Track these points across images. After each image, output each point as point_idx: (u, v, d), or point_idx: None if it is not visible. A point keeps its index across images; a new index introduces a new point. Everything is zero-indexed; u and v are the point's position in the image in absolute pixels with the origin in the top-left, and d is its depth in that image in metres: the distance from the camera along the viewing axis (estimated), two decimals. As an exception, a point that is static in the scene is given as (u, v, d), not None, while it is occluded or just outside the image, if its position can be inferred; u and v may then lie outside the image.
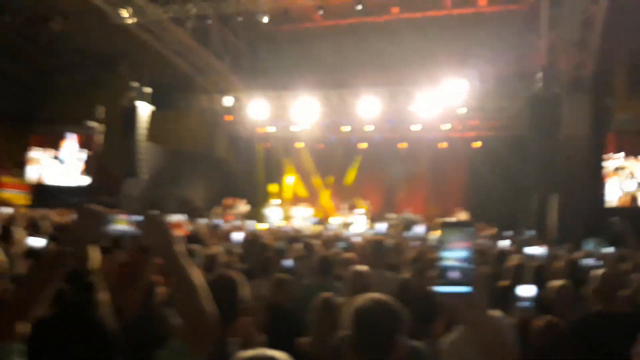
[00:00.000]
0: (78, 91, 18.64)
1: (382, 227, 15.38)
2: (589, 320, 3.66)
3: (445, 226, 1.30)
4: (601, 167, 14.36)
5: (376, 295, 2.08)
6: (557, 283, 4.15)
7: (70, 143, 19.41)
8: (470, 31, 15.48)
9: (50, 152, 19.65)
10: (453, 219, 1.26)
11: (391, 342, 1.91)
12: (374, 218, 16.71)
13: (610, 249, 8.22)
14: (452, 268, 1.27)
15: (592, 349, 3.40)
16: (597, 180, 14.23)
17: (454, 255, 1.27)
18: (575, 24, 12.47)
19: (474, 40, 15.20)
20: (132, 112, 16.07)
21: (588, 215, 13.08)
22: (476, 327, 1.32)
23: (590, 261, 5.88)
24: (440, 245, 1.28)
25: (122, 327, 3.37)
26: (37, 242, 4.90)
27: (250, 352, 1.43)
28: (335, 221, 16.79)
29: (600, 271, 3.79)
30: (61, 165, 19.46)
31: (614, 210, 13.67)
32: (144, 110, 16.24)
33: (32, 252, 4.31)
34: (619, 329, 3.47)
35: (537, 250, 7.82)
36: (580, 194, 13.46)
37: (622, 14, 12.40)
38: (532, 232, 12.09)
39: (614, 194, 14.21)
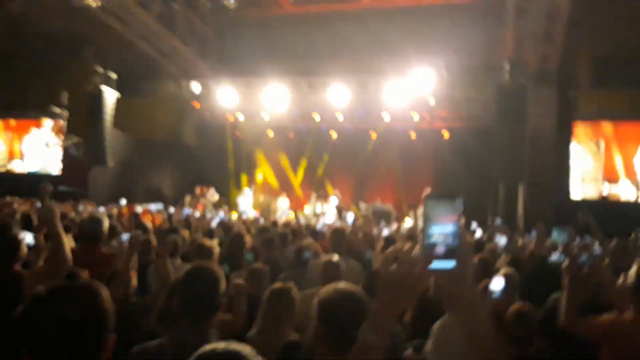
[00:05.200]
0: (40, 76, 17.97)
1: (350, 216, 15.49)
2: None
3: (430, 199, 1.19)
4: (566, 158, 14.69)
5: (341, 285, 2.04)
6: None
7: (35, 129, 18.84)
8: (438, 22, 15.55)
9: (12, 138, 19.06)
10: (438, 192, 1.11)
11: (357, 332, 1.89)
12: (344, 208, 16.77)
13: (576, 240, 8.42)
14: (437, 244, 1.16)
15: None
16: (562, 171, 14.56)
17: (441, 230, 1.17)
18: (541, 16, 12.63)
19: (442, 31, 15.28)
20: (98, 97, 15.60)
21: (554, 205, 13.37)
22: (463, 306, 1.21)
23: (555, 255, 6.01)
24: (425, 220, 1.17)
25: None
26: None
27: (218, 345, 1.38)
28: (306, 211, 16.78)
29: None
30: (26, 152, 18.91)
31: (580, 201, 14.06)
32: (110, 96, 15.81)
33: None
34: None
35: (502, 240, 8.00)
36: (546, 184, 13.73)
37: (585, 9, 12.64)
38: (499, 221, 12.35)
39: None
